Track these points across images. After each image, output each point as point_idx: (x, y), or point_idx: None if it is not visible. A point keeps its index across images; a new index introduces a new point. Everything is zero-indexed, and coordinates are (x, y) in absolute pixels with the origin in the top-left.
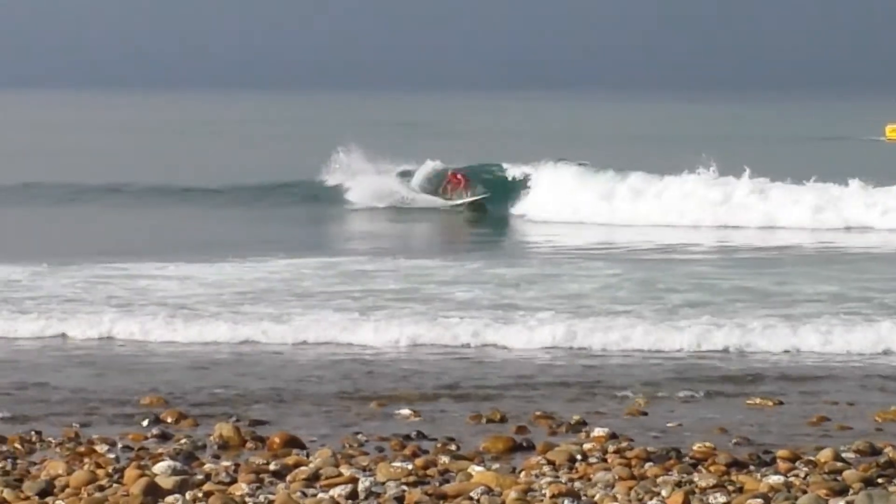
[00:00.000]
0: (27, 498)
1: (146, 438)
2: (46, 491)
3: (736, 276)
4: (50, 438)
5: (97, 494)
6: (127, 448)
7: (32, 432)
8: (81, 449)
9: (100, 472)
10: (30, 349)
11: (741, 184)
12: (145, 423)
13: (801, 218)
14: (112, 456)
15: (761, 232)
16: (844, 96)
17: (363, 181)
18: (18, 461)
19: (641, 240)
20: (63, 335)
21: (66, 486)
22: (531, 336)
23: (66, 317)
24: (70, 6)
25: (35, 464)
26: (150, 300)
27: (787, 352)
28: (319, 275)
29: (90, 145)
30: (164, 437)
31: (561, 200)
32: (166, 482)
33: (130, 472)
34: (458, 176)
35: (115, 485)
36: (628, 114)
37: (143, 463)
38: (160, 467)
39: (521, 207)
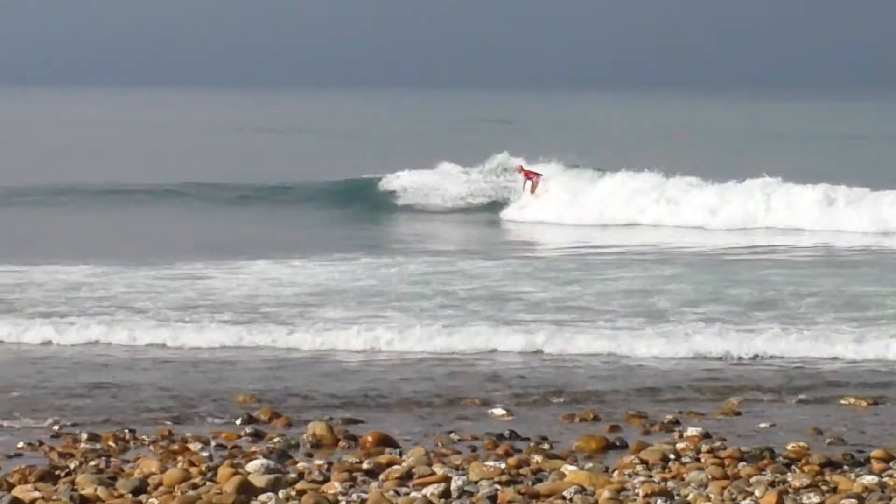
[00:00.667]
0: (121, 496)
1: (239, 437)
2: (140, 489)
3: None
4: (143, 437)
5: (190, 493)
6: (220, 446)
7: (126, 430)
8: (175, 447)
9: (193, 470)
10: (121, 353)
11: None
12: (238, 421)
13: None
14: (205, 454)
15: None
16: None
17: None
18: (112, 459)
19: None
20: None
21: (160, 484)
22: (665, 347)
23: (154, 322)
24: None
25: (128, 462)
26: (237, 302)
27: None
28: (397, 275)
29: (164, 144)
30: (257, 436)
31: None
32: (259, 480)
33: (224, 471)
34: (531, 173)
35: (208, 483)
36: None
37: (236, 461)
38: (253, 465)
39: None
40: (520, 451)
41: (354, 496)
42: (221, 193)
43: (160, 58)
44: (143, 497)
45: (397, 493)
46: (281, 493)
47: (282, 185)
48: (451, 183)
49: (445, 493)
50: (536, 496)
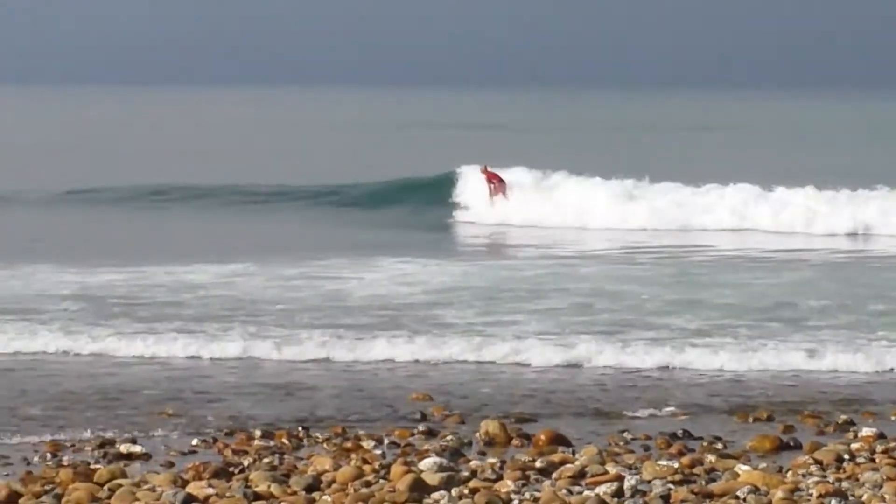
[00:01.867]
0: (294, 493)
1: (412, 435)
2: (313, 486)
3: None
4: (317, 434)
5: (363, 490)
6: (393, 444)
7: (300, 428)
8: (348, 445)
9: (366, 467)
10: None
11: None
12: (413, 418)
13: None
14: (378, 452)
15: None
16: None
17: None
18: (286, 456)
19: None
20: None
21: (333, 481)
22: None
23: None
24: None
25: (302, 459)
26: (406, 308)
27: None
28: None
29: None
30: (430, 434)
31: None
32: (432, 479)
33: (397, 468)
34: (494, 176)
35: (381, 481)
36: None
37: (409, 459)
38: (426, 464)
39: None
40: (693, 450)
41: (527, 495)
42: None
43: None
44: (316, 494)
45: (570, 492)
46: (454, 491)
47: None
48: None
49: (618, 492)
50: (710, 496)
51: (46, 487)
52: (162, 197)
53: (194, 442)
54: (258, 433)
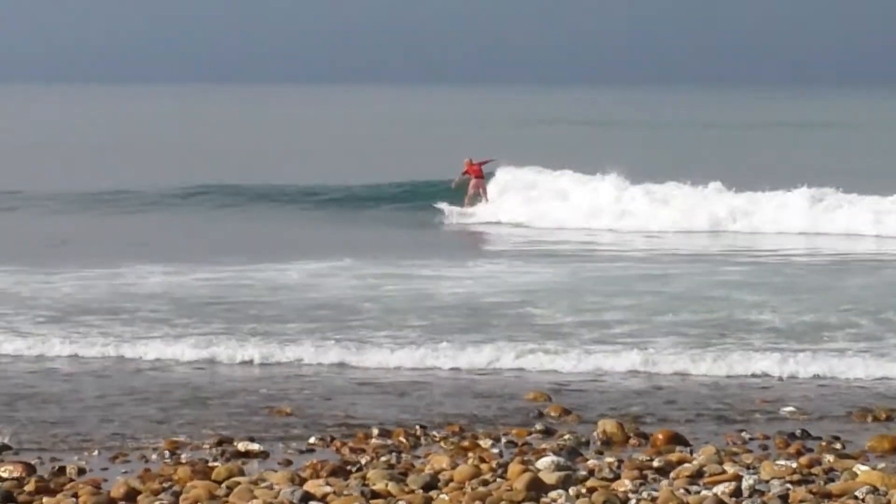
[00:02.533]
0: (411, 491)
1: (530, 434)
2: (430, 485)
3: None
4: (434, 433)
5: (481, 489)
6: (511, 443)
7: (417, 427)
8: (465, 444)
9: (483, 466)
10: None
11: None
12: (530, 416)
13: None
14: (496, 451)
15: None
16: None
17: None
18: (403, 455)
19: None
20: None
21: (450, 480)
22: None
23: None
24: None
25: (419, 458)
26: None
27: None
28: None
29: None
30: (547, 433)
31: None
32: (550, 477)
33: (514, 467)
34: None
35: (498, 479)
36: None
37: (526, 458)
38: (543, 462)
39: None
40: (811, 450)
41: (645, 494)
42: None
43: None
44: (433, 493)
45: (688, 492)
46: (571, 490)
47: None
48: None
49: (736, 492)
50: (828, 496)
51: (164, 485)
52: (240, 198)
53: (312, 440)
54: (375, 431)
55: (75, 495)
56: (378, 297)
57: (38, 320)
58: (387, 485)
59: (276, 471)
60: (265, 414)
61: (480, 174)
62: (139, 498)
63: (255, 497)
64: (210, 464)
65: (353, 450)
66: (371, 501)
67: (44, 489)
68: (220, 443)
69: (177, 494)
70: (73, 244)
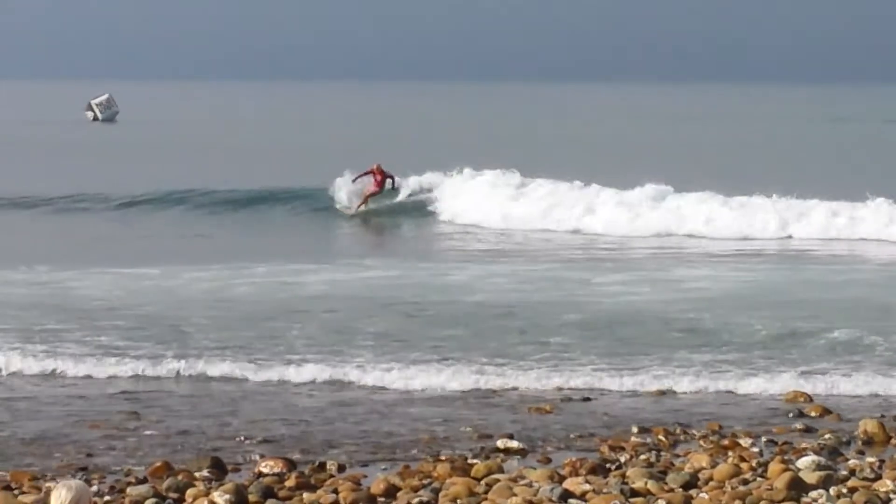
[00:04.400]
0: (671, 490)
1: (790, 432)
2: (690, 483)
3: None
4: (693, 432)
5: (741, 488)
6: (771, 442)
7: (676, 424)
8: (725, 442)
9: (744, 465)
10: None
11: None
12: (790, 415)
13: None
14: (756, 449)
15: None
16: None
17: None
18: (662, 453)
19: None
20: None
21: (710, 479)
22: None
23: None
24: None
25: (679, 456)
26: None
27: None
28: None
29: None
30: (808, 431)
31: None
32: (810, 477)
33: (774, 467)
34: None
35: (758, 479)
36: None
37: (786, 457)
38: (804, 462)
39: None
40: None
41: None
42: None
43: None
44: (693, 492)
45: None
46: (832, 490)
47: None
48: None
49: None
50: None
51: (424, 482)
52: None
53: (570, 436)
54: (635, 429)
55: (335, 491)
56: (581, 306)
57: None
58: (646, 483)
59: (534, 468)
60: (524, 412)
61: (381, 184)
62: (399, 494)
63: (514, 494)
64: (469, 461)
65: (612, 447)
66: (630, 500)
67: (304, 485)
68: (479, 438)
69: (436, 491)
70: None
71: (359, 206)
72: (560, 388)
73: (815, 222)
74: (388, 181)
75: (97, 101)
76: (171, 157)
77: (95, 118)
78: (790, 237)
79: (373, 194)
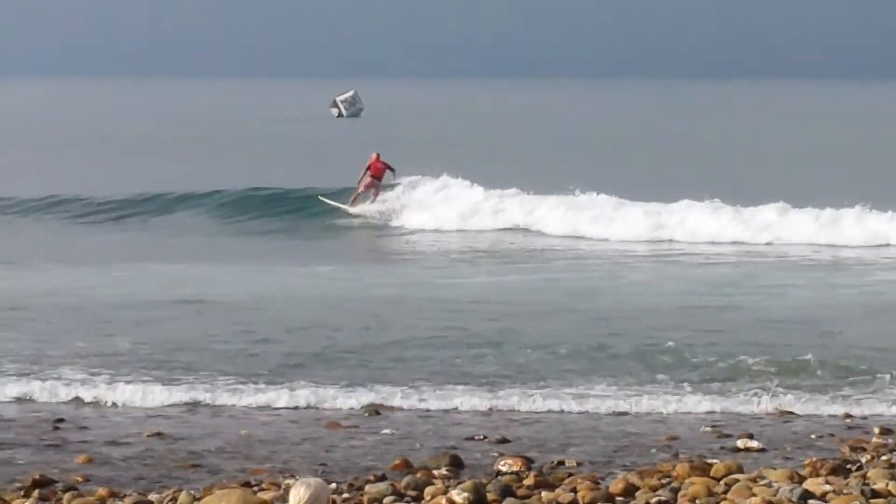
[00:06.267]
0: None
1: None
2: None
3: None
4: None
5: None
6: None
7: None
8: None
9: None
10: None
11: None
12: None
13: None
14: None
15: None
16: None
17: None
18: None
19: None
20: None
21: None
22: None
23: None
24: None
25: None
26: None
27: None
28: None
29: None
30: None
31: None
32: None
33: None
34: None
35: None
36: None
37: None
38: None
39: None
40: None
41: None
42: None
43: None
44: None
45: None
46: None
47: None
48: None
49: None
50: None
51: (663, 481)
52: None
53: (812, 436)
54: (877, 430)
55: (573, 490)
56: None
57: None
58: (887, 484)
59: (774, 468)
60: (771, 414)
61: (380, 175)
62: (637, 493)
63: (753, 495)
64: (708, 461)
65: (853, 448)
66: (871, 501)
67: (542, 483)
68: (719, 437)
69: (675, 491)
70: None
71: (352, 199)
72: None
73: None
74: (389, 172)
75: (342, 97)
76: (411, 152)
77: (340, 115)
78: None
79: (370, 186)
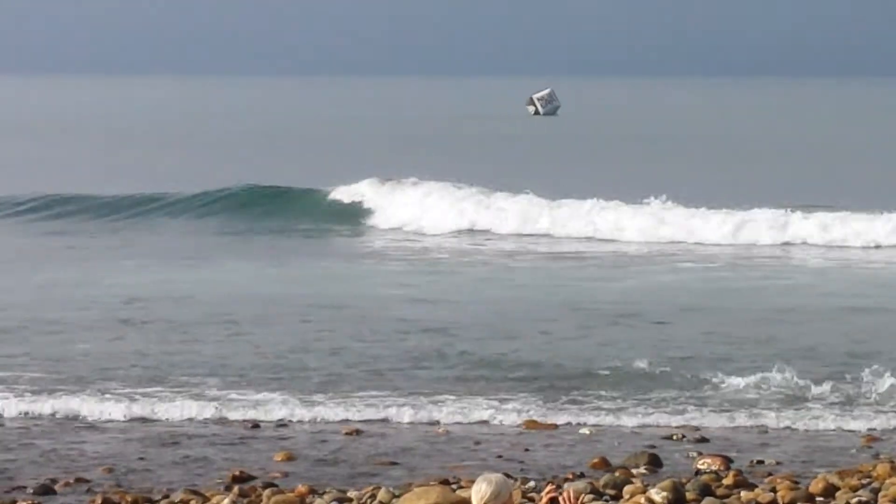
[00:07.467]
0: None
1: None
2: None
3: None
4: None
5: None
6: None
7: None
8: None
9: None
10: None
11: None
12: None
13: None
14: None
15: None
16: None
17: None
18: None
19: None
20: None
21: None
22: None
23: None
24: None
25: None
26: None
27: None
28: None
29: None
30: None
31: None
32: None
33: None
34: None
35: None
36: None
37: None
38: None
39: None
40: None
41: None
42: None
43: None
44: None
45: None
46: None
47: None
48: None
49: None
50: None
51: (863, 481)
52: None
53: None
54: None
55: (773, 490)
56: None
57: None
58: None
59: None
60: None
61: None
62: (837, 494)
63: None
64: None
65: None
66: None
67: (742, 483)
68: None
69: (875, 491)
70: None
71: None
72: None
73: None
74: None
75: (539, 95)
76: (608, 152)
77: (537, 112)
78: None
79: None
